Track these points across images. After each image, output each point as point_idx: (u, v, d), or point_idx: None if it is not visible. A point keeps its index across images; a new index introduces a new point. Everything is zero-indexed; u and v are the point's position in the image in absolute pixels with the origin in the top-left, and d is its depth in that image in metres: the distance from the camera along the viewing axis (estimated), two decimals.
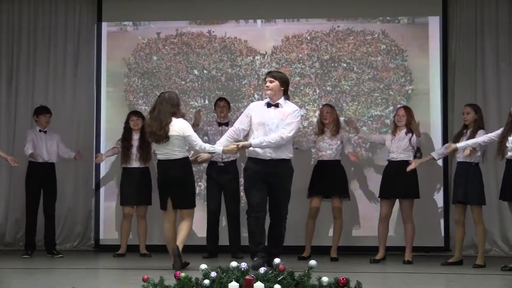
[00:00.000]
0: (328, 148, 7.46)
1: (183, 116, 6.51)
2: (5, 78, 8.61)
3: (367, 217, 7.94)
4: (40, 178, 7.69)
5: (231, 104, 7.88)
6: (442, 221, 8.02)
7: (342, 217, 7.47)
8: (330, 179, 7.40)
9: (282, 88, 6.27)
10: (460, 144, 6.82)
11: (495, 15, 8.19)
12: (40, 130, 7.77)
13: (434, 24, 8.26)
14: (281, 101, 6.29)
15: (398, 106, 7.74)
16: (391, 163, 7.35)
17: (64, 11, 8.65)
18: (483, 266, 6.74)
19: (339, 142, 7.49)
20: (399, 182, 7.21)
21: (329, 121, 7.51)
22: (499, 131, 6.68)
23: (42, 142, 7.73)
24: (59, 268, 6.63)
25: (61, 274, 6.18)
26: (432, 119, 8.15)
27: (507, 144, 6.53)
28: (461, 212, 6.99)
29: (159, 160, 6.45)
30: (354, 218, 8.04)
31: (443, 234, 8.03)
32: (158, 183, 6.48)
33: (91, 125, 8.49)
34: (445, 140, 7.83)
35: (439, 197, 8.08)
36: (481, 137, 6.74)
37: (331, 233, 7.68)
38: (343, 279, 4.28)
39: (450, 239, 7.94)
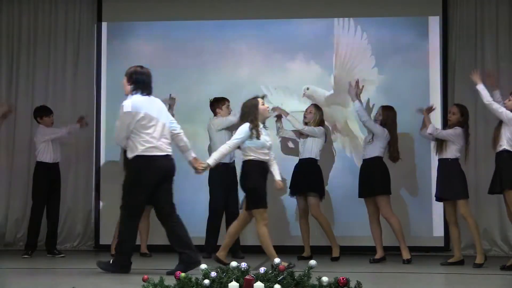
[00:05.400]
0: (306, 146, 7.43)
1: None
2: (5, 78, 8.62)
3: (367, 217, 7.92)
4: (48, 178, 7.68)
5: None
6: (442, 221, 8.01)
7: (321, 214, 7.37)
8: (307, 178, 7.38)
9: None
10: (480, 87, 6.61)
11: (495, 15, 8.20)
12: None
13: (434, 24, 8.27)
14: None
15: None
16: (365, 161, 7.33)
17: (64, 11, 8.67)
18: (482, 264, 6.72)
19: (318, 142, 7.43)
20: (373, 180, 7.19)
21: (309, 121, 7.48)
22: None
23: (49, 142, 7.71)
24: (59, 268, 6.63)
25: (61, 274, 6.18)
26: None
27: (502, 130, 6.46)
28: (450, 211, 6.97)
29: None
30: (356, 218, 8.02)
31: (443, 234, 8.02)
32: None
33: (91, 125, 8.49)
34: None
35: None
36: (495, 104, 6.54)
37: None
38: (343, 279, 4.28)
39: (450, 239, 7.93)
